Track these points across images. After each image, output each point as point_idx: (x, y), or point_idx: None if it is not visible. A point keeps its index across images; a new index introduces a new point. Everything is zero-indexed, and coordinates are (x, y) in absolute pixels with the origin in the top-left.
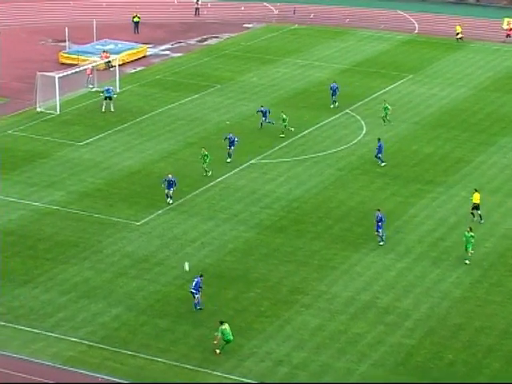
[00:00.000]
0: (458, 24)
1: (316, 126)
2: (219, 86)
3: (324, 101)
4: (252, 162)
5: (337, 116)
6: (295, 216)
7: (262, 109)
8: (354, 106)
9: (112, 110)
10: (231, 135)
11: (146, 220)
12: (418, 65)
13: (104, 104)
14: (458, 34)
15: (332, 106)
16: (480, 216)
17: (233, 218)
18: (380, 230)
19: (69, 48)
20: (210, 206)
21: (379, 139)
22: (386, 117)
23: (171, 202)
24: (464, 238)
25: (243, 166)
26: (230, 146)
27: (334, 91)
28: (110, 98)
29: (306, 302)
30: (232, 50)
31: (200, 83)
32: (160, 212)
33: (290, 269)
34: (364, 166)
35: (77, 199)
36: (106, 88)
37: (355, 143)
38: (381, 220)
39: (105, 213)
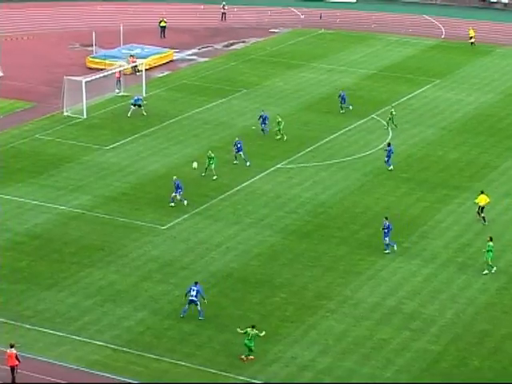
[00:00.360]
0: (471, 28)
1: (342, 131)
2: (245, 90)
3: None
4: (278, 166)
5: (363, 121)
6: (321, 221)
7: (263, 114)
8: (380, 111)
9: (144, 113)
10: (238, 140)
11: (171, 224)
12: (445, 70)
13: (131, 110)
14: (471, 37)
15: (342, 112)
16: (484, 218)
17: (258, 223)
18: (386, 239)
19: (96, 52)
20: (236, 210)
21: (389, 144)
22: (391, 122)
23: (173, 204)
24: (487, 249)
25: (269, 171)
26: (237, 151)
27: (343, 99)
28: (140, 106)
29: (331, 307)
30: (258, 55)
31: (226, 88)
32: (185, 216)
33: (315, 274)
34: (390, 172)
35: (103, 203)
36: (136, 98)
37: (381, 148)
38: (388, 228)
39: (130, 217)
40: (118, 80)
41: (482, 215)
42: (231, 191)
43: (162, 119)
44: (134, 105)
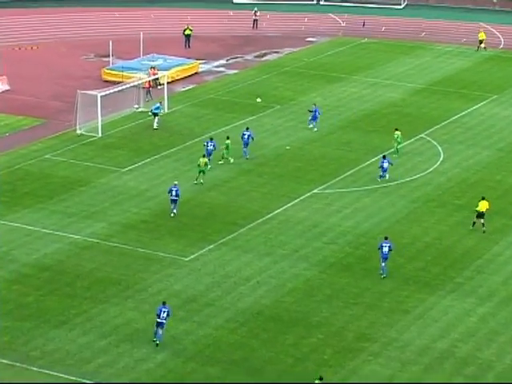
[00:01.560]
0: (482, 30)
1: (387, 152)
2: (279, 106)
3: (396, 124)
4: (314, 191)
5: (411, 141)
6: (363, 253)
7: (246, 132)
8: (430, 130)
9: (155, 127)
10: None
11: (195, 255)
12: (504, 84)
13: (155, 121)
14: (481, 42)
15: (311, 126)
16: (483, 224)
17: (292, 255)
18: (383, 264)
19: (113, 63)
20: (267, 240)
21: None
22: (396, 149)
23: (172, 215)
24: None
25: (304, 197)
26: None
27: (314, 116)
28: (156, 115)
29: (374, 350)
30: (293, 67)
31: (257, 103)
32: (211, 247)
33: (356, 312)
34: (441, 198)
35: (119, 231)
36: (157, 105)
37: (431, 171)
38: (388, 251)
39: (150, 247)
40: (148, 91)
41: (482, 221)
42: (262, 219)
43: (186, 138)
44: (153, 114)
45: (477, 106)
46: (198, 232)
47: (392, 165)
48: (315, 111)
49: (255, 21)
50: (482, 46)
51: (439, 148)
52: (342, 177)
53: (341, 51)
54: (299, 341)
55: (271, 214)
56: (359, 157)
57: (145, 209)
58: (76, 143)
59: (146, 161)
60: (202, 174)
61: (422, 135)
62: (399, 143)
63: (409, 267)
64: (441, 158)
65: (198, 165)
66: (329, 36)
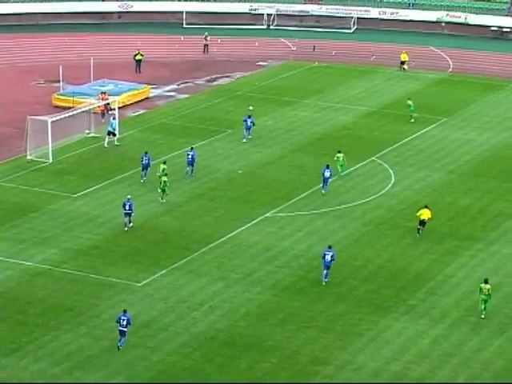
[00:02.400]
0: (404, 51)
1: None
2: (230, 130)
3: (348, 147)
4: (267, 215)
5: (362, 164)
6: (316, 276)
7: (190, 152)
8: (382, 153)
9: (106, 145)
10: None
11: (148, 281)
12: (453, 107)
13: (106, 139)
14: (403, 62)
15: (244, 141)
16: (421, 232)
17: (246, 279)
18: (325, 271)
19: (63, 89)
20: (220, 264)
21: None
22: (339, 174)
23: (127, 229)
24: (479, 293)
25: (257, 220)
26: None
27: (248, 127)
28: (114, 134)
29: (328, 373)
30: (245, 91)
31: (209, 128)
32: (164, 272)
33: (309, 336)
34: (393, 220)
35: (71, 257)
36: (110, 122)
37: (383, 194)
38: (331, 260)
39: (103, 273)
40: (103, 113)
41: (421, 227)
42: (215, 243)
43: (138, 163)
44: (109, 133)
45: (427, 129)
46: (151, 257)
47: (339, 175)
48: (245, 121)
49: (206, 45)
50: (405, 66)
51: (390, 171)
52: (294, 200)
53: (292, 75)
54: (253, 365)
55: (224, 238)
56: (311, 180)
57: (97, 234)
58: (26, 169)
59: (98, 186)
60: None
61: (374, 158)
62: (342, 165)
63: (361, 290)
64: (392, 181)
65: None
66: (280, 60)
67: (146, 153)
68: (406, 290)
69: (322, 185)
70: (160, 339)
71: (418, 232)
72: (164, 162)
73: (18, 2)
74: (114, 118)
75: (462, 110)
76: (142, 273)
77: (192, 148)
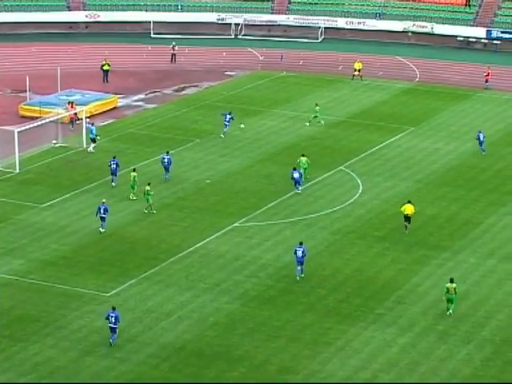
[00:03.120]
0: (358, 60)
1: (307, 185)
2: (198, 140)
3: (316, 156)
4: (235, 224)
5: (330, 173)
6: (284, 285)
7: (166, 156)
8: (349, 163)
9: (91, 150)
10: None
11: (116, 291)
12: (420, 116)
13: (92, 145)
14: (357, 70)
15: (223, 136)
16: (408, 228)
17: (214, 288)
18: (299, 268)
19: (30, 99)
20: (189, 274)
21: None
22: (304, 174)
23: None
24: (445, 293)
25: (225, 230)
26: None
27: (228, 118)
28: (95, 141)
29: (296, 382)
30: (213, 101)
31: (177, 137)
32: (132, 282)
33: (278, 345)
34: (361, 230)
35: (38, 268)
36: (91, 129)
37: (351, 203)
38: (302, 255)
39: (70, 283)
40: (72, 120)
41: (406, 223)
42: (183, 253)
43: (105, 173)
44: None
45: (394, 138)
46: (119, 267)
47: (305, 178)
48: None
49: (173, 55)
50: (356, 73)
51: (358, 180)
52: (262, 210)
53: (259, 85)
54: (221, 375)
55: (192, 248)
56: (279, 189)
57: (64, 245)
58: None
59: (66, 196)
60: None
61: (341, 167)
62: (306, 169)
63: (330, 299)
64: (360, 190)
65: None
66: (247, 70)
67: (114, 157)
68: (374, 299)
69: (295, 186)
70: (128, 350)
71: (406, 228)
72: (134, 170)
73: None
74: (92, 125)
75: (429, 120)
76: (110, 283)
77: (168, 152)
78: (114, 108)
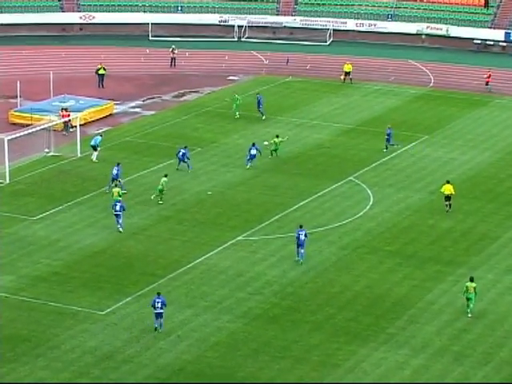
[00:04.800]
0: (348, 63)
1: (314, 197)
2: (199, 149)
3: (323, 166)
4: (238, 238)
5: (338, 184)
6: (290, 303)
7: (182, 150)
8: (359, 173)
9: (93, 159)
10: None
11: (111, 309)
12: (434, 124)
13: (95, 154)
14: (347, 73)
15: (264, 118)
16: (449, 205)
17: (216, 306)
18: (302, 250)
19: (21, 105)
20: (189, 291)
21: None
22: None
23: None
24: (464, 292)
25: (228, 244)
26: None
27: (258, 102)
28: (95, 148)
29: None
30: (215, 107)
31: (176, 146)
32: (129, 299)
33: (283, 366)
34: (371, 244)
35: (29, 284)
36: (98, 138)
37: (361, 216)
38: (304, 236)
39: (63, 301)
40: (66, 125)
41: (448, 203)
42: (183, 269)
43: (100, 184)
44: (93, 147)
45: (407, 147)
46: (115, 284)
47: (260, 153)
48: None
49: (173, 59)
50: (342, 77)
51: (369, 191)
52: (267, 223)
53: (264, 90)
54: None
55: (192, 264)
56: (285, 201)
57: (57, 260)
58: None
59: (58, 208)
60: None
61: (351, 178)
62: (276, 150)
63: (338, 318)
64: (370, 202)
65: (112, 194)
66: (251, 74)
67: (118, 164)
68: (385, 318)
69: (247, 160)
70: (124, 371)
71: (447, 207)
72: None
73: None
74: (101, 135)
75: (443, 128)
76: (105, 300)
77: (186, 147)
78: (110, 115)
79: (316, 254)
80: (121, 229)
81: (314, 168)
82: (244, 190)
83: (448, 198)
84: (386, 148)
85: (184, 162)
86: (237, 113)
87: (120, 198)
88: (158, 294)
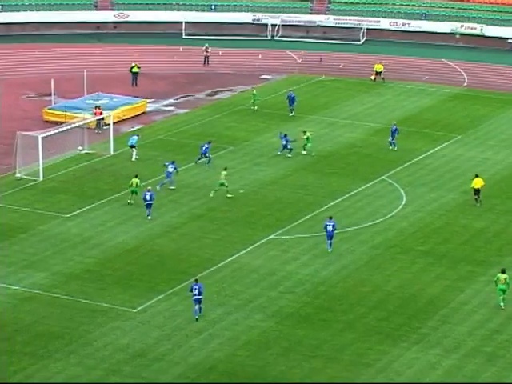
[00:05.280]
0: (379, 62)
1: (346, 196)
2: (232, 147)
3: (356, 165)
4: (270, 237)
5: (371, 184)
6: (322, 302)
7: (205, 145)
8: (392, 172)
9: (134, 158)
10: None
11: (143, 307)
12: (468, 124)
13: (134, 153)
14: (378, 73)
15: (292, 114)
16: (479, 200)
17: (247, 305)
18: (329, 241)
19: (55, 103)
20: (220, 290)
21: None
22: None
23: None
24: (495, 282)
25: (260, 243)
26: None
27: (291, 100)
28: (133, 147)
29: None
30: (247, 106)
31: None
32: (161, 297)
33: (315, 366)
34: (403, 244)
35: (62, 282)
36: (134, 137)
37: (393, 216)
38: (332, 230)
39: (95, 298)
40: (99, 123)
41: (479, 198)
42: (214, 267)
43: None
44: (131, 146)
45: (440, 147)
46: (147, 282)
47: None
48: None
49: (206, 57)
50: (373, 77)
51: (401, 191)
52: (299, 222)
53: (297, 89)
54: None
55: (224, 262)
56: (317, 200)
57: (89, 257)
58: (15, 188)
59: (91, 206)
60: (134, 194)
61: (383, 177)
62: (306, 144)
63: (370, 317)
64: (403, 202)
65: (130, 185)
66: (284, 73)
67: (172, 162)
68: (417, 318)
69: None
70: (155, 369)
71: (476, 201)
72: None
73: (5, 12)
74: (137, 135)
75: (477, 127)
76: (137, 298)
77: (210, 142)
78: (143, 113)
79: (348, 253)
80: (149, 217)
81: (347, 167)
82: (276, 188)
83: (477, 191)
84: (392, 145)
85: (206, 156)
86: (255, 107)
87: (137, 189)
88: (196, 280)
